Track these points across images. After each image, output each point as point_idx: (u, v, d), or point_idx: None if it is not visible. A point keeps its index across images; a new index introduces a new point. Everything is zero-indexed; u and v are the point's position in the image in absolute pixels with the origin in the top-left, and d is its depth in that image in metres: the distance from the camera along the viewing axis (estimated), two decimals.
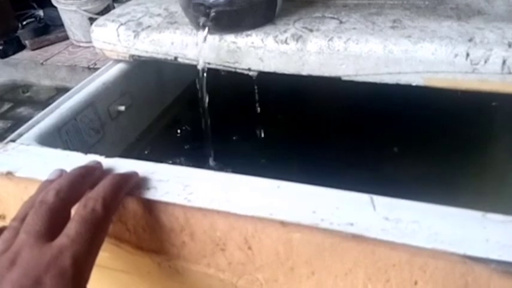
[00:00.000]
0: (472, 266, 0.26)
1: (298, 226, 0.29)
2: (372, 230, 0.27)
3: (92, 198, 0.30)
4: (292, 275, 0.31)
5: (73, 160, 0.37)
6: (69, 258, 0.26)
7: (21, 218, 0.29)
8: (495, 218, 0.27)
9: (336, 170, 0.52)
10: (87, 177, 0.32)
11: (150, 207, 0.33)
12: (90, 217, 0.29)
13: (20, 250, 0.27)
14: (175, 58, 0.51)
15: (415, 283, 0.28)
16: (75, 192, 0.31)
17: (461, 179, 0.50)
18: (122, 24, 0.54)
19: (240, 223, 0.31)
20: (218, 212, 0.31)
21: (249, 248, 0.31)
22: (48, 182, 0.32)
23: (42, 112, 0.47)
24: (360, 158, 0.55)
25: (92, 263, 0.29)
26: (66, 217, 0.29)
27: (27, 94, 1.86)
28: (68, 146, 0.48)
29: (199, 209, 0.31)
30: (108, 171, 0.34)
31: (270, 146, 0.59)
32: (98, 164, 0.35)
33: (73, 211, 0.30)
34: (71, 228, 0.28)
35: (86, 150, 0.48)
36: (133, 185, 0.33)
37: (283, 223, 0.29)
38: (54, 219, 0.28)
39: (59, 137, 0.47)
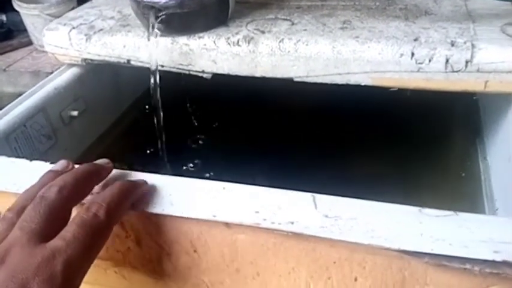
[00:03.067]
0: (409, 260, 0.26)
1: (241, 227, 0.29)
2: (312, 227, 0.27)
3: (97, 202, 0.28)
4: (238, 277, 0.31)
5: (18, 167, 0.36)
6: (61, 264, 0.25)
7: (17, 210, 0.27)
8: (431, 213, 0.27)
9: (296, 170, 0.53)
10: (94, 176, 0.31)
11: None
12: (91, 222, 0.27)
13: (11, 248, 0.25)
14: (128, 61, 0.50)
15: (355, 279, 0.28)
16: (80, 191, 0.29)
17: (416, 175, 0.51)
18: (73, 27, 0.53)
19: (186, 226, 0.30)
20: (163, 216, 0.30)
21: (195, 251, 0.31)
22: (52, 173, 0.30)
23: None
24: (318, 158, 0.56)
25: (85, 270, 0.27)
26: (66, 217, 0.28)
27: None
28: (17, 153, 0.47)
29: (144, 214, 0.31)
30: (115, 175, 0.33)
31: (227, 149, 0.59)
32: (108, 164, 0.32)
33: (74, 211, 0.28)
34: (69, 231, 0.26)
35: (37, 157, 0.47)
36: (141, 194, 0.31)
37: (227, 224, 0.29)
38: (53, 219, 0.27)
39: (7, 144, 0.45)
